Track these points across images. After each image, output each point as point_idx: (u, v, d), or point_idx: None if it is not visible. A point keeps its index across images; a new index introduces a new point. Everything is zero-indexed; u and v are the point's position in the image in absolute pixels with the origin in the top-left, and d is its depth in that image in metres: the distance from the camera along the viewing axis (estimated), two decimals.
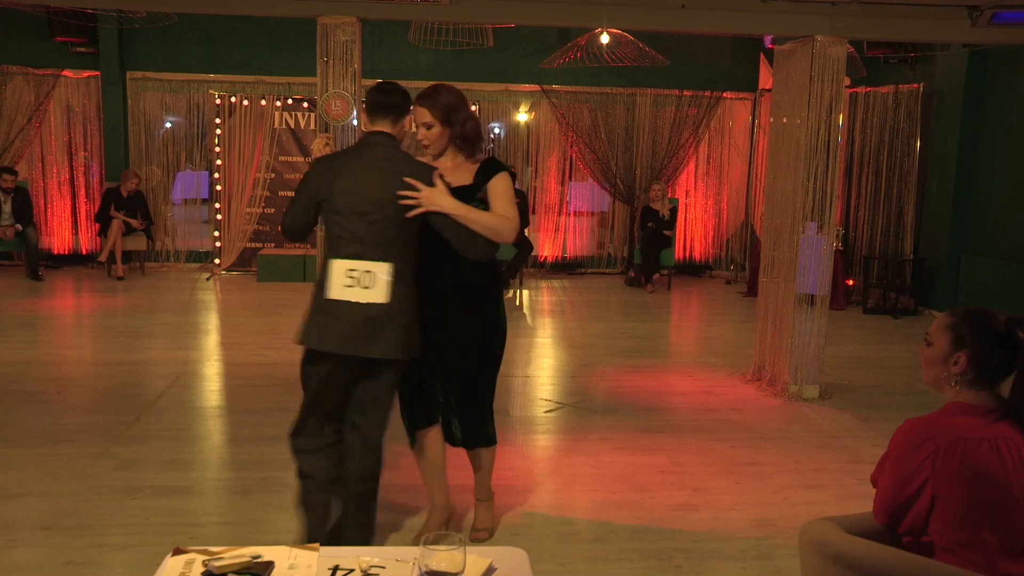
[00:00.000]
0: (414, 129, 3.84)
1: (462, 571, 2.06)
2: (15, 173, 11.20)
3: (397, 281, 3.50)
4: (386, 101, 3.63)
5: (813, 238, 6.45)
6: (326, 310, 3.49)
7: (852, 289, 10.87)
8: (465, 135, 3.81)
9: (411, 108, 3.74)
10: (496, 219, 3.68)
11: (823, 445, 5.61)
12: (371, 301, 3.45)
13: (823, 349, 6.65)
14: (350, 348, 3.47)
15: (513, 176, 3.91)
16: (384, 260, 3.48)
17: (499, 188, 3.77)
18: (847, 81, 6.72)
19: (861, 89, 11.12)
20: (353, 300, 3.45)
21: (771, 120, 7.04)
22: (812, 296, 6.55)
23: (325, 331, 3.48)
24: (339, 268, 3.48)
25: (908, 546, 2.46)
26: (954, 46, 9.63)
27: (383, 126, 3.64)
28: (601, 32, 8.72)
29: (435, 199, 3.52)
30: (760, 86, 12.21)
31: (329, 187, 3.53)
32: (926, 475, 2.38)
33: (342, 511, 3.69)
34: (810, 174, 6.42)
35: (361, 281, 3.46)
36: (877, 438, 5.68)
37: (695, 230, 12.91)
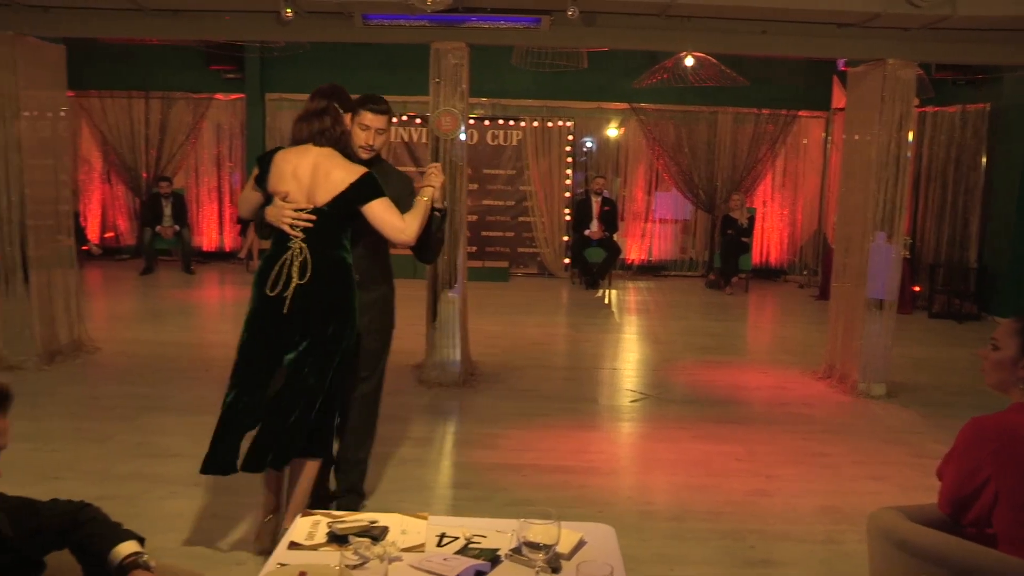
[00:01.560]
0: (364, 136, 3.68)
1: (556, 543, 2.06)
2: (169, 180, 11.69)
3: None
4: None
5: (882, 246, 6.24)
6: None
7: (918, 295, 10.47)
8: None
9: (359, 113, 3.66)
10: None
11: (888, 440, 5.42)
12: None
13: (890, 350, 6.43)
14: None
15: (261, 158, 3.60)
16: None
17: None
18: (916, 101, 6.49)
19: (930, 109, 10.71)
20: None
21: (844, 136, 6.85)
22: (881, 300, 6.34)
23: None
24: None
25: (972, 537, 2.38)
26: (1021, 68, 9.19)
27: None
28: (686, 55, 8.60)
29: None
30: (833, 105, 11.85)
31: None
32: (989, 471, 2.29)
33: None
34: (880, 187, 6.22)
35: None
36: (940, 434, 5.45)
37: (771, 237, 12.63)
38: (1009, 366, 2.42)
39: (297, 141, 3.49)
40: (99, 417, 5.36)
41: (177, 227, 11.50)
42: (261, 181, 3.51)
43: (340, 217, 3.45)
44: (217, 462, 3.49)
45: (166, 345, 7.33)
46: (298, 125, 3.51)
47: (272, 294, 3.42)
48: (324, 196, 3.41)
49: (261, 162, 3.53)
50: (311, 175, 3.42)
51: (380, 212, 3.44)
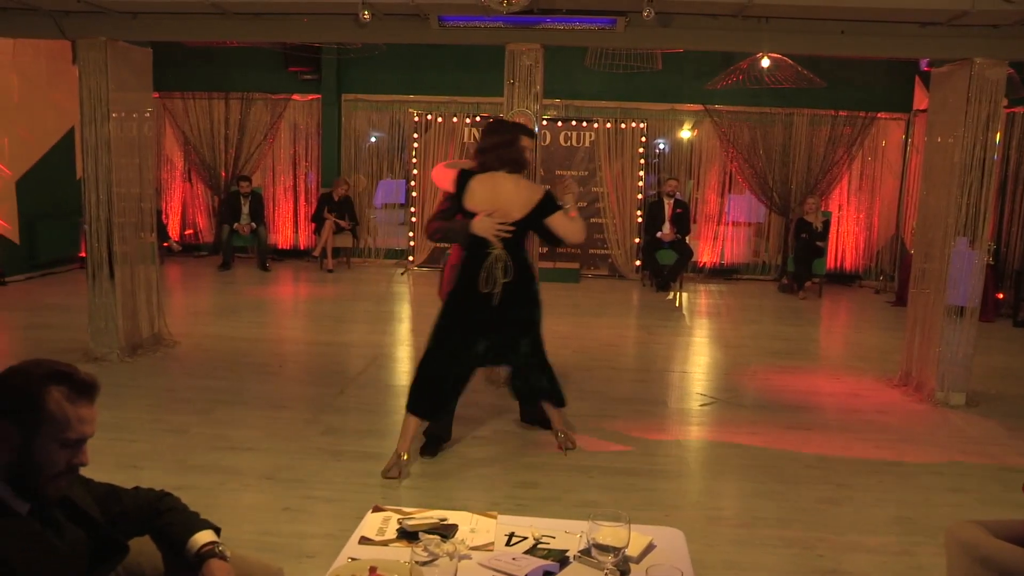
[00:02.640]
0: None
1: (626, 546, 2.05)
2: (249, 179, 11.97)
3: None
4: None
5: (964, 252, 6.04)
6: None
7: (1002, 302, 10.10)
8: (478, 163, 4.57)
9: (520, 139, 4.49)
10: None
11: (968, 451, 5.25)
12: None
13: (971, 358, 6.21)
14: None
15: (459, 177, 4.49)
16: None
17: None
18: (1005, 101, 6.25)
19: (1020, 109, 10.31)
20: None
21: (926, 139, 6.63)
22: (961, 307, 6.14)
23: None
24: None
25: None
26: None
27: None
28: (762, 56, 8.46)
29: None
30: (915, 107, 11.53)
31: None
32: None
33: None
34: (963, 191, 6.01)
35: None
36: None
37: (846, 242, 12.33)
38: None
39: (489, 168, 4.38)
40: (177, 409, 5.52)
41: (254, 224, 11.77)
42: (458, 197, 4.39)
43: (527, 227, 4.41)
44: (435, 411, 4.65)
45: (241, 340, 7.51)
46: (489, 155, 4.39)
47: (484, 291, 4.35)
48: (519, 212, 4.34)
49: (459, 182, 4.39)
50: (507, 196, 4.34)
51: (560, 221, 4.40)
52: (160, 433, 5.05)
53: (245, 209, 11.80)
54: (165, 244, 11.89)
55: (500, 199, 4.34)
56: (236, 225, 11.69)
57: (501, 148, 4.38)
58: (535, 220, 4.37)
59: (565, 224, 4.40)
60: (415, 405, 4.53)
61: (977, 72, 5.89)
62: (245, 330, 7.97)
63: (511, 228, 4.34)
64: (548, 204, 4.38)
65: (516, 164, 4.40)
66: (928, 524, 4.12)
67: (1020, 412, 6.10)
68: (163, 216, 12.15)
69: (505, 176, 4.37)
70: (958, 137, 6.00)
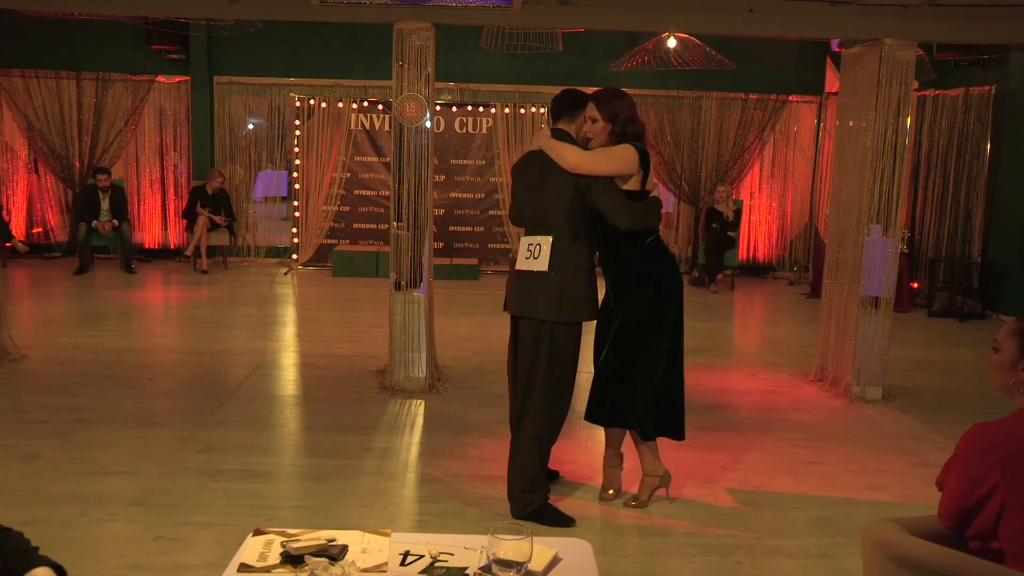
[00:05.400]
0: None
1: (528, 560, 2.05)
2: (108, 172, 11.52)
3: (556, 252, 4.10)
4: (554, 105, 4.28)
5: (878, 240, 6.31)
6: (513, 279, 4.30)
7: (917, 292, 10.60)
8: (624, 135, 4.15)
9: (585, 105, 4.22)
10: (571, 151, 4.11)
11: (887, 447, 5.48)
12: (536, 269, 4.12)
13: (887, 351, 6.50)
14: (510, 308, 4.29)
15: (643, 154, 4.16)
16: (547, 234, 4.12)
17: (607, 146, 4.17)
18: (916, 84, 6.55)
19: (930, 92, 10.83)
20: (526, 269, 4.16)
21: (837, 123, 6.90)
22: (876, 298, 6.41)
23: (508, 296, 4.32)
24: (523, 243, 4.24)
25: (976, 551, 2.39)
26: None
27: (561, 124, 4.25)
28: (669, 36, 8.64)
29: (538, 139, 4.23)
30: (826, 89, 11.98)
31: (517, 178, 4.40)
32: (995, 481, 2.31)
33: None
34: (876, 177, 6.28)
35: (533, 253, 4.15)
36: (943, 441, 5.53)
37: (759, 231, 12.72)
38: (1008, 369, 2.45)
39: (638, 138, 4.18)
40: (27, 432, 5.27)
41: (116, 222, 11.36)
42: (647, 172, 4.17)
43: None
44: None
45: (104, 352, 7.25)
46: (643, 129, 4.22)
47: (683, 273, 4.24)
48: None
49: (646, 156, 4.16)
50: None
51: None
52: (6, 461, 4.81)
53: (105, 204, 11.38)
54: (8, 244, 11.36)
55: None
56: (95, 223, 11.26)
57: (637, 117, 4.24)
58: None
59: None
60: (663, 430, 4.37)
61: (887, 53, 6.15)
62: (108, 340, 7.68)
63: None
64: None
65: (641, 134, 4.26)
66: (848, 524, 4.28)
67: (938, 405, 6.41)
68: (3, 212, 11.57)
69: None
70: (870, 121, 6.26)
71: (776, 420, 5.95)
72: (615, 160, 4.10)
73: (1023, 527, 2.29)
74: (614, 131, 4.16)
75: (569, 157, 4.08)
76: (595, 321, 4.30)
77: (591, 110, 4.17)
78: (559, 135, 4.20)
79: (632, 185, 4.14)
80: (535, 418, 4.17)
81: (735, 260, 11.61)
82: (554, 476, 4.66)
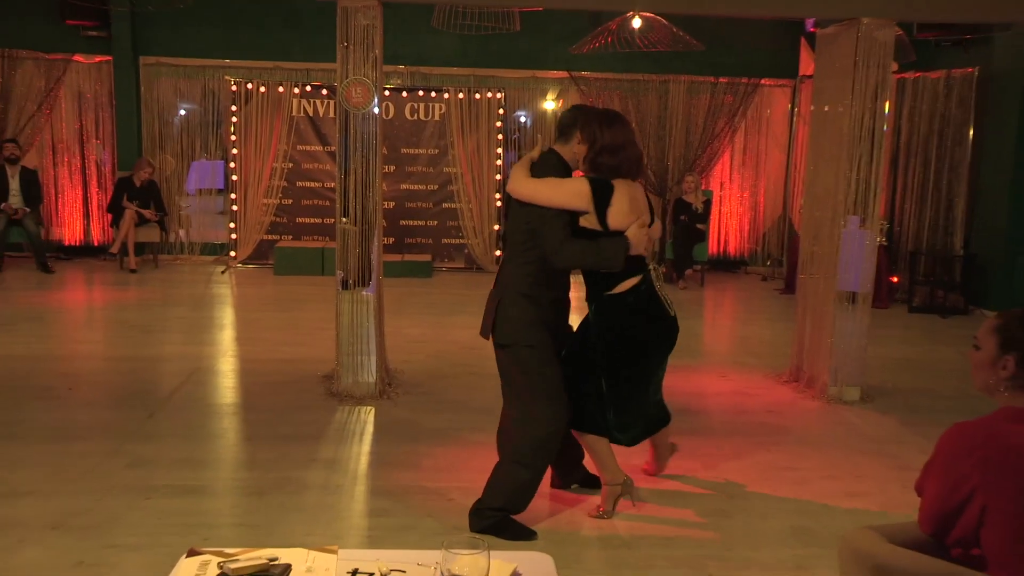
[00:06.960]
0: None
1: None
2: (16, 142, 11.23)
3: (503, 274, 4.25)
4: (558, 124, 4.31)
5: (855, 232, 6.39)
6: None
7: (897, 286, 10.77)
8: (596, 164, 4.12)
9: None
10: (518, 176, 4.16)
11: (865, 451, 5.56)
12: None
13: (865, 349, 6.59)
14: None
15: (599, 191, 4.07)
16: (507, 254, 4.27)
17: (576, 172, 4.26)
18: (894, 66, 6.65)
19: (910, 74, 10.99)
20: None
21: (812, 108, 6.99)
22: (854, 293, 6.50)
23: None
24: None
25: (958, 559, 2.44)
26: (1014, 26, 9.41)
27: (557, 144, 4.28)
28: (633, 16, 8.67)
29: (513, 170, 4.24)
30: (800, 72, 12.13)
31: None
32: (975, 483, 2.34)
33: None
34: (853, 165, 6.36)
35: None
36: (924, 444, 5.61)
37: (730, 224, 12.85)
38: (989, 367, 2.50)
39: (629, 176, 4.19)
40: None
41: (28, 208, 11.09)
42: (602, 210, 4.07)
43: None
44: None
45: (16, 359, 7.13)
46: (627, 155, 4.14)
47: (672, 314, 4.42)
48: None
49: (600, 195, 4.06)
50: (643, 205, 4.23)
51: None
52: None
53: (14, 184, 11.11)
54: None
55: (639, 209, 4.17)
56: (3, 205, 10.98)
57: (632, 147, 4.16)
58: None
59: None
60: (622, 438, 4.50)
61: (865, 33, 6.23)
62: (21, 347, 7.55)
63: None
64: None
65: (639, 169, 4.30)
66: (825, 534, 4.33)
67: (918, 406, 6.51)
68: None
69: (634, 185, 4.22)
70: (846, 106, 6.34)
71: (749, 423, 6.01)
72: (557, 192, 4.05)
73: (1005, 533, 2.33)
74: (587, 157, 4.13)
75: (512, 182, 4.16)
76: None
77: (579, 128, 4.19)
78: (545, 157, 4.23)
79: (589, 223, 4.07)
80: (512, 433, 4.30)
81: (705, 254, 11.71)
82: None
